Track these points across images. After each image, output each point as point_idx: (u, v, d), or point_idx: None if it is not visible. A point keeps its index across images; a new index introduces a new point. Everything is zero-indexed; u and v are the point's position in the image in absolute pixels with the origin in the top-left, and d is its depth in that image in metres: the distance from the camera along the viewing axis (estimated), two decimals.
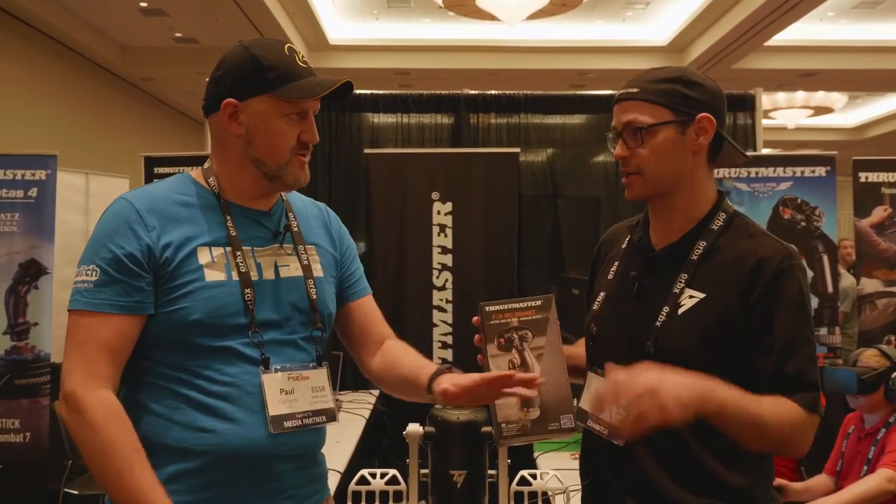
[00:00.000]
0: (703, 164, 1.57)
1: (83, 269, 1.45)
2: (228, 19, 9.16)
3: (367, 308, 1.78)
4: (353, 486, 2.70)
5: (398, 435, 2.80)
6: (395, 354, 1.70)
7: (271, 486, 1.49)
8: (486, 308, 1.58)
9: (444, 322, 4.41)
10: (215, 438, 1.44)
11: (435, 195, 4.45)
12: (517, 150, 4.67)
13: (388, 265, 4.46)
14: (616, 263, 1.67)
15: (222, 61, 1.53)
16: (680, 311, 1.50)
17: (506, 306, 1.59)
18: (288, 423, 1.50)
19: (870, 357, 2.95)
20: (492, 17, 9.05)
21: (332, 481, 2.84)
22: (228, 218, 1.53)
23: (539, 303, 1.59)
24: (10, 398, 4.25)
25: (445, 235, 4.44)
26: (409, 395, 1.67)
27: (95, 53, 10.22)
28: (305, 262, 1.60)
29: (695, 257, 1.53)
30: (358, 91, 5.13)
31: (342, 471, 2.99)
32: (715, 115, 1.54)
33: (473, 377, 1.48)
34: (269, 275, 1.54)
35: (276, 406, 1.49)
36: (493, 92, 5.07)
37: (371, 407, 4.10)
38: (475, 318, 1.58)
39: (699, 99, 1.53)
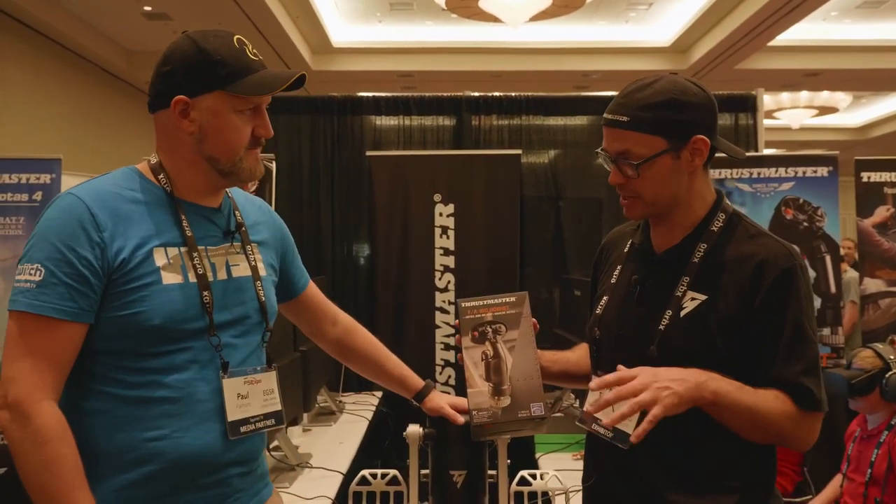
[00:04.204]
0: (699, 176, 1.56)
1: (26, 268, 1.36)
2: (231, 23, 9.18)
3: (316, 293, 1.86)
4: (353, 486, 2.71)
5: (401, 436, 2.81)
6: (373, 345, 1.93)
7: (218, 491, 1.47)
8: (463, 304, 1.67)
9: (447, 324, 4.41)
10: (167, 446, 1.40)
11: (437, 197, 4.46)
12: (519, 151, 4.68)
13: (391, 267, 4.48)
14: (619, 267, 1.68)
15: (168, 56, 1.47)
16: (682, 313, 1.50)
17: (481, 302, 1.68)
18: (243, 428, 1.49)
19: (863, 358, 2.95)
20: (494, 19, 9.06)
21: (334, 482, 2.86)
22: (183, 217, 1.48)
23: (513, 299, 1.68)
24: None
25: (447, 237, 4.45)
26: (382, 383, 1.97)
27: (100, 58, 10.26)
28: (253, 264, 1.58)
29: (696, 260, 1.53)
30: (360, 93, 5.15)
31: (344, 472, 3.00)
32: (708, 132, 1.51)
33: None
34: (222, 275, 1.51)
35: (234, 411, 1.47)
36: (494, 94, 5.08)
37: (374, 408, 4.11)
38: (456, 322, 1.65)
39: (692, 121, 1.50)
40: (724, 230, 1.55)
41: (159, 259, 1.42)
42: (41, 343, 1.35)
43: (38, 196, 4.40)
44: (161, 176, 1.50)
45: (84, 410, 1.40)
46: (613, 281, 1.67)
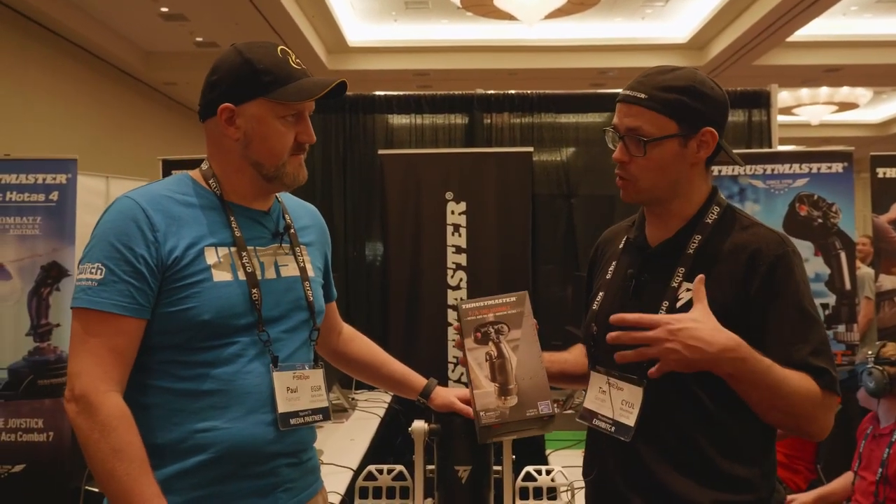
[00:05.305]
0: (699, 171, 1.58)
1: (87, 267, 1.44)
2: (248, 23, 9.24)
3: (334, 307, 1.92)
4: (360, 481, 2.73)
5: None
6: (371, 350, 1.97)
7: (269, 481, 1.52)
8: (463, 306, 1.68)
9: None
10: (218, 437, 1.46)
11: (449, 195, 4.46)
12: (530, 149, 4.66)
13: (403, 265, 4.48)
14: (614, 263, 1.69)
15: (217, 66, 1.55)
16: (678, 304, 1.51)
17: (482, 303, 1.68)
18: (293, 421, 1.54)
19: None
20: (510, 17, 9.07)
21: (344, 478, 2.88)
22: (232, 219, 1.55)
23: (514, 299, 1.68)
24: (34, 398, 4.31)
25: (459, 235, 4.45)
26: (384, 386, 2.02)
27: (118, 59, 10.36)
28: (302, 265, 1.64)
29: (690, 251, 1.54)
30: (372, 92, 5.16)
31: (354, 468, 3.01)
32: (718, 128, 1.54)
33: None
34: (270, 274, 1.57)
35: (284, 404, 1.53)
36: (505, 92, 5.06)
37: (386, 405, 4.13)
38: (457, 325, 1.67)
39: (705, 112, 1.52)
40: (718, 222, 1.56)
41: (210, 258, 1.49)
42: (104, 338, 1.42)
43: (54, 196, 4.44)
44: (211, 181, 1.57)
45: (140, 405, 1.46)
46: (609, 276, 1.68)
